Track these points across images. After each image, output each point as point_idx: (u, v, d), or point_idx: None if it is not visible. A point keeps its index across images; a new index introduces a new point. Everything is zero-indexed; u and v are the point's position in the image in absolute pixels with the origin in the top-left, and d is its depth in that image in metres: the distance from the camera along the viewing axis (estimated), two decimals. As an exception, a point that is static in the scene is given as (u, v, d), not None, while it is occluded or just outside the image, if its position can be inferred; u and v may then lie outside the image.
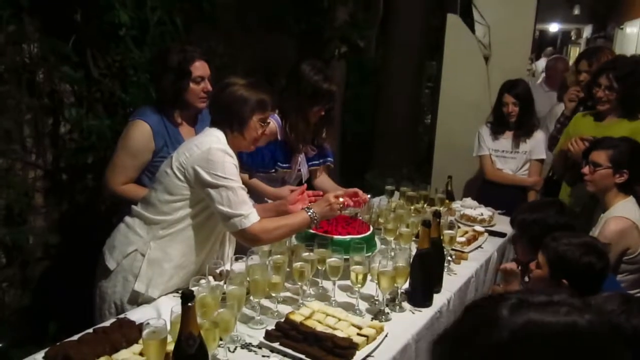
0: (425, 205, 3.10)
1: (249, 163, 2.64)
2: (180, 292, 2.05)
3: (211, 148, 1.96)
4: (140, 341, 1.68)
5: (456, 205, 3.29)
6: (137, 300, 2.03)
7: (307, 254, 2.09)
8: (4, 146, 2.85)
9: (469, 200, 3.36)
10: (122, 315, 1.92)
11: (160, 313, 1.90)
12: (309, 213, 2.09)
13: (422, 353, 2.01)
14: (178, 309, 1.56)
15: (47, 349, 1.64)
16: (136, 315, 1.90)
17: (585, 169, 2.58)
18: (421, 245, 2.10)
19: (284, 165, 2.68)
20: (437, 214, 2.20)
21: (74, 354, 1.58)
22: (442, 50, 4.46)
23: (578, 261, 1.80)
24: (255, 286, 1.87)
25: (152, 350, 1.48)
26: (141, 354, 1.64)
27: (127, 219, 2.11)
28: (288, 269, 2.08)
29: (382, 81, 5.44)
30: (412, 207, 2.95)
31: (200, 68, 2.41)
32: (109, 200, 2.87)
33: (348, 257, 2.11)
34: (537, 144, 3.50)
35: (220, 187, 1.94)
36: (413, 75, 5.59)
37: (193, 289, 1.77)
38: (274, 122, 2.62)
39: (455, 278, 2.42)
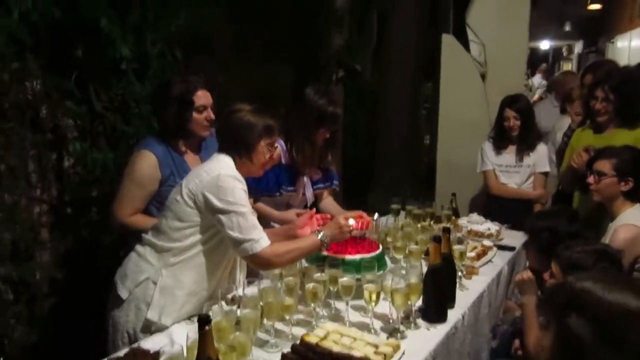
0: (431, 223, 3.09)
1: (254, 187, 2.63)
2: (192, 319, 2.07)
3: (220, 174, 1.97)
4: (156, 369, 1.66)
5: (462, 221, 3.29)
6: (150, 328, 2.00)
7: (318, 274, 2.08)
8: (9, 182, 2.86)
9: (475, 216, 3.36)
10: (135, 345, 1.90)
11: (174, 341, 1.88)
12: (320, 236, 2.09)
13: (440, 370, 1.99)
14: (193, 334, 1.55)
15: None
16: (149, 344, 1.88)
17: (590, 179, 2.58)
18: (433, 261, 2.09)
19: (289, 188, 2.68)
20: (446, 230, 2.20)
21: (89, 386, 1.56)
22: (437, 71, 4.52)
23: (591, 268, 1.79)
24: (269, 309, 1.85)
25: (170, 377, 1.46)
26: (157, 381, 1.62)
27: (138, 247, 2.11)
28: (300, 292, 2.07)
29: (379, 104, 5.51)
30: (419, 225, 2.95)
31: (202, 97, 2.43)
32: (117, 232, 2.86)
33: (360, 276, 2.10)
34: (540, 157, 3.51)
35: (230, 213, 1.95)
36: (409, 96, 5.66)
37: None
38: (278, 145, 2.63)
39: (468, 293, 2.40)
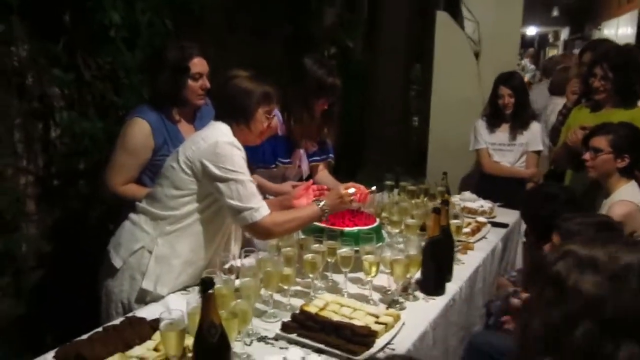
0: (425, 199, 3.08)
1: (250, 158, 2.58)
2: (188, 289, 2.04)
3: (218, 141, 1.92)
4: (154, 337, 1.63)
5: (455, 199, 3.28)
6: (145, 298, 1.96)
7: (317, 245, 2.05)
8: (-5, 151, 2.77)
9: (467, 194, 3.35)
10: (130, 314, 1.86)
11: (170, 311, 1.84)
12: (320, 205, 2.05)
13: (439, 340, 1.99)
14: (193, 302, 1.52)
15: (56, 349, 1.57)
16: (144, 313, 1.84)
17: (586, 155, 2.58)
18: (432, 233, 2.08)
19: (285, 160, 2.64)
20: (445, 202, 2.19)
21: (86, 353, 1.52)
22: (427, 52, 4.48)
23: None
24: (268, 279, 1.82)
25: (172, 342, 1.42)
26: (155, 349, 1.58)
27: (132, 215, 2.05)
28: (297, 264, 2.04)
29: (369, 83, 5.46)
30: (413, 202, 2.93)
31: (198, 65, 2.37)
32: (108, 203, 2.80)
33: (358, 248, 2.08)
34: (533, 136, 3.52)
35: (229, 181, 1.90)
36: (399, 77, 5.62)
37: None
38: (275, 115, 2.58)
39: (464, 267, 2.40)
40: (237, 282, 1.80)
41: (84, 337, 1.66)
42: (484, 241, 2.76)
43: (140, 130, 2.30)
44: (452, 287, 2.17)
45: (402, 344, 1.74)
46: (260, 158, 2.59)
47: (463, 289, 2.24)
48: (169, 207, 1.97)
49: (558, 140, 3.41)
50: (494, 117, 3.56)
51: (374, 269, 1.97)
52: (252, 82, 2.02)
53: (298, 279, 2.09)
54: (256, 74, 2.05)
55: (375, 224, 2.33)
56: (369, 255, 1.99)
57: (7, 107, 2.85)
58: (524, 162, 3.58)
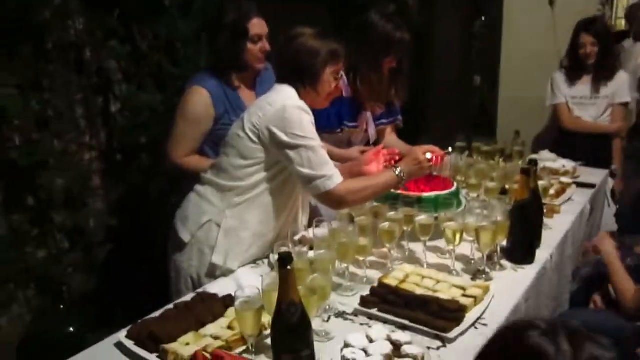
0: (501, 160, 2.86)
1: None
2: (258, 262, 1.94)
3: (286, 105, 1.79)
4: (227, 314, 1.54)
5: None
6: (215, 273, 1.89)
7: (393, 213, 1.90)
8: (58, 127, 2.75)
9: (546, 153, 3.10)
10: (200, 290, 1.79)
11: (242, 285, 1.74)
12: (397, 172, 1.90)
13: (531, 313, 1.81)
14: (267, 277, 1.41)
15: (129, 327, 1.51)
16: (215, 288, 1.76)
17: None
18: (520, 196, 1.88)
19: (351, 124, 2.48)
20: (533, 162, 1.97)
21: (158, 331, 1.44)
22: (494, 4, 4.16)
23: None
24: (343, 250, 1.69)
25: (248, 322, 1.33)
26: (229, 327, 1.49)
27: (199, 187, 1.97)
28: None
29: (428, 41, 5.16)
30: (491, 163, 2.72)
31: (257, 26, 2.23)
32: (170, 176, 2.74)
33: (437, 215, 1.92)
34: (619, 86, 3.19)
35: (299, 148, 1.78)
36: (459, 35, 5.30)
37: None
38: (342, 74, 2.42)
39: (552, 233, 2.18)
40: (310, 254, 1.69)
41: (156, 314, 1.59)
42: (571, 203, 2.53)
43: (200, 99, 2.21)
44: (542, 255, 1.97)
45: (494, 319, 1.58)
46: (325, 122, 2.45)
47: (554, 256, 2.04)
48: (236, 177, 1.87)
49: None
50: (574, 68, 3.25)
51: (457, 237, 1.81)
52: (317, 40, 1.86)
53: (373, 250, 1.96)
54: (321, 32, 1.89)
55: (454, 188, 2.15)
56: (451, 223, 1.83)
57: (67, 82, 2.83)
58: (608, 116, 3.27)
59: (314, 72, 1.85)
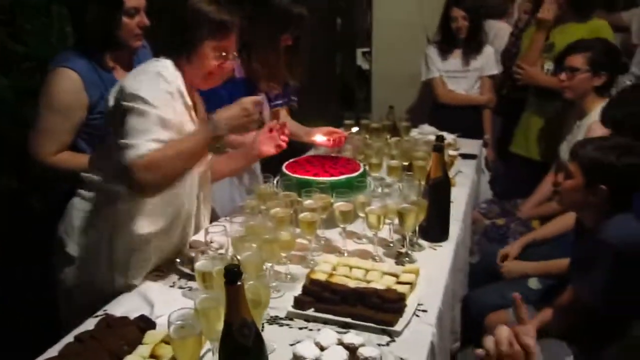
0: (389, 137, 2.86)
1: (205, 107, 2.22)
2: (159, 273, 1.70)
3: (139, 69, 1.57)
4: (146, 339, 1.31)
5: (413, 133, 3.10)
6: (113, 290, 1.61)
7: (310, 201, 1.77)
8: None
9: (426, 127, 3.17)
10: (100, 312, 1.51)
11: (151, 301, 1.52)
12: (211, 126, 1.59)
13: (455, 290, 1.82)
14: (197, 293, 1.21)
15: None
16: (121, 308, 1.50)
17: (562, 75, 2.47)
18: (434, 174, 1.86)
19: (244, 107, 2.27)
20: (439, 138, 1.96)
21: (64, 376, 1.18)
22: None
23: (616, 163, 1.66)
24: (269, 248, 1.53)
25: (188, 351, 1.12)
26: (153, 356, 1.27)
27: (81, 191, 1.65)
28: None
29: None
30: (389, 140, 2.70)
31: None
32: (40, 176, 2.29)
33: (349, 200, 1.83)
34: (487, 60, 3.36)
35: (131, 111, 1.47)
36: (325, 12, 5.26)
37: (200, 264, 1.40)
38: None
39: (454, 206, 2.21)
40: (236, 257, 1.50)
41: (51, 353, 1.30)
42: (461, 175, 2.61)
43: (68, 84, 1.86)
44: (453, 230, 1.99)
45: (431, 302, 1.54)
46: (216, 105, 2.20)
47: (463, 229, 2.08)
48: (117, 176, 1.55)
49: (510, 63, 3.30)
50: (445, 42, 3.35)
51: (381, 221, 1.73)
52: (210, 4, 1.60)
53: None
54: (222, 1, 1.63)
55: (361, 170, 2.08)
56: (373, 207, 1.75)
57: None
58: (478, 88, 3.44)
59: (189, 41, 1.58)
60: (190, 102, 1.63)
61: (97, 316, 1.47)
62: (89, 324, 1.42)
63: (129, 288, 1.61)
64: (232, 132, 1.65)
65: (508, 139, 3.28)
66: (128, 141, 1.45)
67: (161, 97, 1.51)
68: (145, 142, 1.45)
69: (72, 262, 1.62)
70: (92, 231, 1.62)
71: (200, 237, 1.74)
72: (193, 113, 1.65)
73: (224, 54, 1.65)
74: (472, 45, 3.30)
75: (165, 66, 1.58)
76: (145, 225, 1.62)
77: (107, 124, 1.59)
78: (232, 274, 1.02)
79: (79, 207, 1.64)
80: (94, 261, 1.61)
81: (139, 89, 1.48)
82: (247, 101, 1.65)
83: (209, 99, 2.19)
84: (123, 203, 1.59)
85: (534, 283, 2.19)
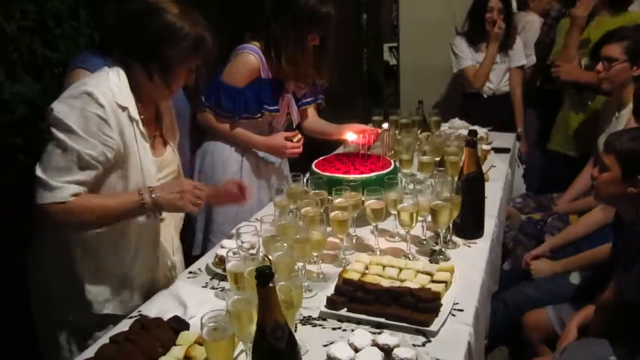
0: (420, 132, 2.82)
1: (230, 108, 2.22)
2: (194, 272, 1.70)
3: (79, 88, 1.45)
4: (180, 340, 1.31)
5: (444, 127, 3.04)
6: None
7: (340, 200, 1.75)
8: None
9: (457, 121, 3.11)
10: (135, 313, 1.52)
11: (184, 302, 1.52)
12: (145, 196, 1.48)
13: (490, 286, 1.78)
14: (231, 294, 1.20)
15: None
16: (154, 309, 1.50)
17: (599, 66, 2.38)
18: (468, 170, 1.82)
19: (272, 107, 2.26)
20: (472, 133, 1.91)
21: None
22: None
23: None
24: (301, 248, 1.51)
25: (221, 353, 1.11)
26: (187, 357, 1.26)
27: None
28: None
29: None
30: (420, 136, 2.66)
31: None
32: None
33: (380, 197, 1.79)
34: (516, 51, 3.27)
35: (51, 140, 1.41)
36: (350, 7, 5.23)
37: (231, 264, 1.40)
38: (255, 56, 2.19)
39: (488, 202, 2.14)
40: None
41: (87, 355, 1.31)
42: (494, 170, 2.55)
43: None
44: (488, 226, 1.94)
45: (467, 301, 1.50)
46: (242, 107, 2.22)
47: (497, 225, 2.03)
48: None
49: (543, 53, 3.21)
50: (475, 33, 3.25)
51: (413, 219, 1.70)
52: (184, 20, 1.49)
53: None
54: (188, 9, 1.52)
55: (392, 167, 2.04)
56: (406, 204, 1.71)
57: None
58: (507, 80, 3.35)
59: (168, 64, 1.48)
60: (137, 117, 1.52)
61: (131, 317, 1.48)
62: (124, 325, 1.43)
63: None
64: (167, 210, 1.56)
65: (544, 131, 3.19)
66: (47, 179, 1.41)
67: (89, 126, 1.42)
68: (65, 184, 1.41)
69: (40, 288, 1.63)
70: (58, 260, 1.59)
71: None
72: (141, 126, 1.54)
73: (193, 72, 1.57)
74: (505, 40, 3.20)
75: (100, 83, 1.47)
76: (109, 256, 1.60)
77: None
78: (264, 275, 1.01)
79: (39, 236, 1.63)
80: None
81: (67, 115, 1.41)
82: (186, 183, 1.56)
83: (235, 99, 2.20)
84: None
85: (575, 278, 2.13)
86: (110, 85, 1.48)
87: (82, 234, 1.54)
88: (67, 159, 1.42)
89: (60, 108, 1.44)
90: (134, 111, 1.52)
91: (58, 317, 1.62)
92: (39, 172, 1.43)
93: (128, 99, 1.51)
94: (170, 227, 1.75)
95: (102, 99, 1.44)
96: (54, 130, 1.42)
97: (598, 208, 2.26)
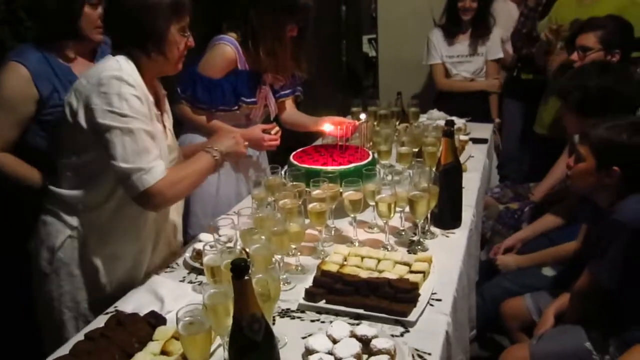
0: (399, 123, 2.82)
1: (206, 100, 2.19)
2: (171, 266, 1.69)
3: (101, 77, 1.47)
4: (156, 335, 1.29)
5: (422, 118, 3.05)
6: (95, 295, 1.62)
7: (317, 191, 1.74)
8: None
9: (435, 112, 3.13)
10: (111, 309, 1.49)
11: (161, 296, 1.50)
12: (213, 154, 1.65)
13: (470, 278, 1.79)
14: (207, 288, 1.18)
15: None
16: (130, 304, 1.49)
17: (574, 55, 2.41)
18: (445, 160, 1.83)
19: (249, 100, 2.24)
20: (449, 123, 1.92)
21: (75, 374, 1.16)
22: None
23: (628, 143, 1.62)
24: (279, 240, 1.51)
25: (198, 347, 1.10)
26: (164, 352, 1.25)
27: (47, 205, 1.63)
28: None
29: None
30: (399, 127, 2.66)
31: None
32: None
33: (358, 188, 1.79)
34: (493, 43, 3.29)
35: (113, 130, 1.44)
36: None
37: (208, 258, 1.38)
38: (231, 47, 2.17)
39: (466, 192, 2.16)
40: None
41: (61, 353, 1.29)
42: (472, 160, 2.57)
43: (14, 78, 1.79)
44: (466, 216, 1.96)
45: (445, 290, 1.51)
46: (219, 99, 2.19)
47: (475, 215, 2.04)
48: (78, 184, 1.56)
49: (521, 44, 3.23)
50: (451, 25, 3.27)
51: (391, 209, 1.70)
52: None
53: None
54: None
55: (370, 158, 2.04)
56: (384, 195, 1.71)
57: None
58: (484, 72, 3.37)
59: (157, 33, 1.52)
60: (151, 98, 1.56)
61: (107, 313, 1.46)
62: (100, 321, 1.41)
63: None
64: (229, 158, 1.78)
65: (522, 121, 3.21)
66: (137, 165, 1.44)
67: (135, 106, 1.46)
68: (153, 162, 1.47)
69: (46, 276, 1.61)
70: (62, 240, 1.60)
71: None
72: (154, 108, 1.59)
73: (186, 32, 1.60)
74: (480, 29, 3.22)
75: (116, 67, 1.49)
76: (120, 239, 1.62)
77: (69, 134, 1.54)
78: (239, 268, 1.00)
79: (48, 222, 1.61)
80: (66, 270, 1.60)
81: (109, 103, 1.43)
82: (234, 130, 1.83)
83: (211, 91, 2.18)
84: (100, 217, 1.58)
85: (548, 270, 2.16)
86: (128, 71, 1.50)
87: (98, 218, 1.57)
88: (137, 140, 1.45)
89: (97, 100, 1.45)
90: (149, 93, 1.55)
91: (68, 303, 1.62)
92: (123, 165, 1.44)
93: (142, 83, 1.53)
94: (174, 212, 1.78)
95: (131, 79, 1.48)
96: (106, 122, 1.44)
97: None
